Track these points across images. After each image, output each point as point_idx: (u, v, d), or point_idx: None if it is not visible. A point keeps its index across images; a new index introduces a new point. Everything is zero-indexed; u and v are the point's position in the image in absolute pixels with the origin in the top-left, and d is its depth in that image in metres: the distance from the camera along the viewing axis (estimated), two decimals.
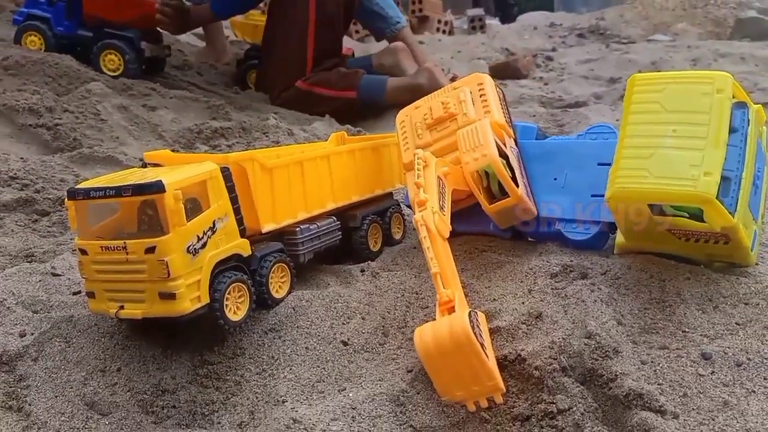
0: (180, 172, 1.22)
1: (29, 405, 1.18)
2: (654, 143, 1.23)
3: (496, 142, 1.48)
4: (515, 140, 1.64)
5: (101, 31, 3.43)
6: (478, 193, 1.48)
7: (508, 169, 1.48)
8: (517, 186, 1.48)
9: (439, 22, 7.52)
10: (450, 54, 6.63)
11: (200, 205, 1.24)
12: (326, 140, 2.60)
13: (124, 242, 1.18)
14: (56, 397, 1.20)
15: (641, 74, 1.32)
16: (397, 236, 1.81)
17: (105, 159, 2.24)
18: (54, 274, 1.53)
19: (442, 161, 1.48)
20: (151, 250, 1.16)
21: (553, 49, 6.13)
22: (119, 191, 1.17)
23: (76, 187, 1.23)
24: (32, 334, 1.29)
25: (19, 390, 1.20)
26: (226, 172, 1.30)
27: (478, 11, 8.23)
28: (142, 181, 1.17)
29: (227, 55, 4.51)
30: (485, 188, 1.50)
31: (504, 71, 4.82)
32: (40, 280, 1.49)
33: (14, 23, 3.46)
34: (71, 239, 1.79)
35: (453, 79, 4.93)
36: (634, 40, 6.87)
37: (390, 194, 1.84)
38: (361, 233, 1.68)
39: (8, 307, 1.36)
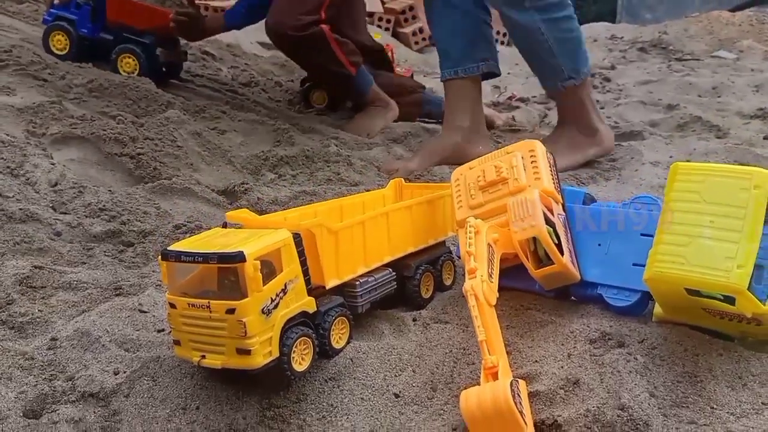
0: (258, 242, 1.38)
1: None
2: (692, 232, 1.33)
3: (543, 211, 1.60)
4: (563, 205, 1.75)
5: (120, 36, 3.71)
6: (525, 259, 1.60)
7: (554, 237, 1.60)
8: (562, 254, 1.59)
9: (497, 33, 7.56)
10: (507, 67, 6.69)
11: (274, 270, 1.40)
12: (380, 174, 2.75)
13: (209, 302, 1.35)
14: (145, 431, 1.38)
15: (683, 164, 1.41)
16: (448, 282, 1.94)
17: (182, 190, 2.43)
18: (141, 311, 1.71)
19: (493, 227, 1.60)
20: (231, 311, 1.32)
21: (612, 67, 6.12)
22: (206, 258, 1.34)
23: (169, 249, 1.40)
24: (124, 372, 1.47)
25: (113, 424, 1.38)
26: (297, 238, 1.46)
27: None
28: (225, 251, 1.33)
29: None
30: (532, 252, 1.62)
31: None
32: (128, 316, 1.68)
33: (44, 23, 3.78)
34: (153, 271, 1.98)
35: (511, 98, 5.02)
36: (697, 56, 6.79)
37: (442, 242, 1.96)
38: (414, 282, 1.81)
39: (103, 345, 1.54)
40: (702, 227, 1.32)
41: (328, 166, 2.96)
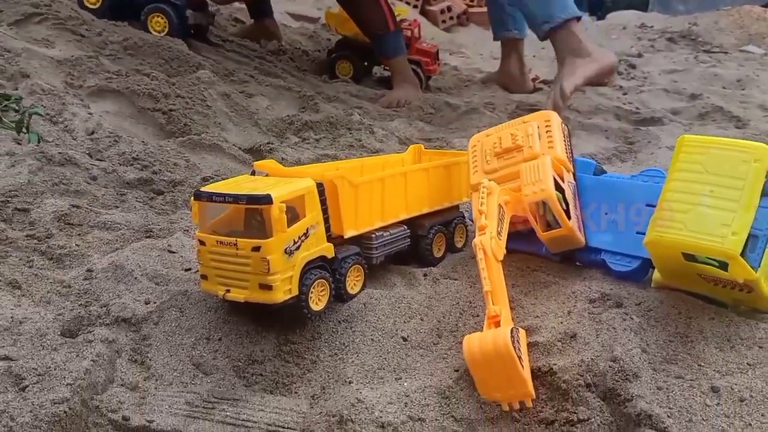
0: (284, 187, 1.48)
1: (150, 360, 1.48)
2: (692, 200, 1.41)
3: (554, 178, 1.68)
4: (574, 174, 1.83)
5: None
6: (534, 222, 1.69)
7: (563, 203, 1.68)
8: (569, 218, 1.67)
9: None
10: (533, 49, 6.71)
11: (298, 215, 1.50)
12: (403, 141, 2.83)
13: (236, 240, 1.45)
14: (171, 356, 1.50)
15: (690, 136, 1.49)
16: (459, 245, 2.03)
17: (210, 146, 2.54)
18: (170, 251, 1.83)
19: (505, 190, 1.69)
20: (256, 249, 1.43)
21: (639, 55, 6.12)
22: (236, 199, 1.45)
23: (201, 190, 1.51)
24: (154, 302, 1.59)
25: (143, 347, 1.50)
26: (320, 188, 1.56)
27: None
28: (254, 193, 1.43)
29: (275, 35, 4.72)
30: (541, 216, 1.71)
31: None
32: (158, 255, 1.80)
33: None
34: (181, 218, 2.09)
35: (534, 80, 5.06)
36: (726, 49, 6.76)
37: (456, 207, 2.05)
38: (427, 241, 1.91)
39: (135, 278, 1.66)
40: (702, 196, 1.40)
41: (350, 133, 3.05)
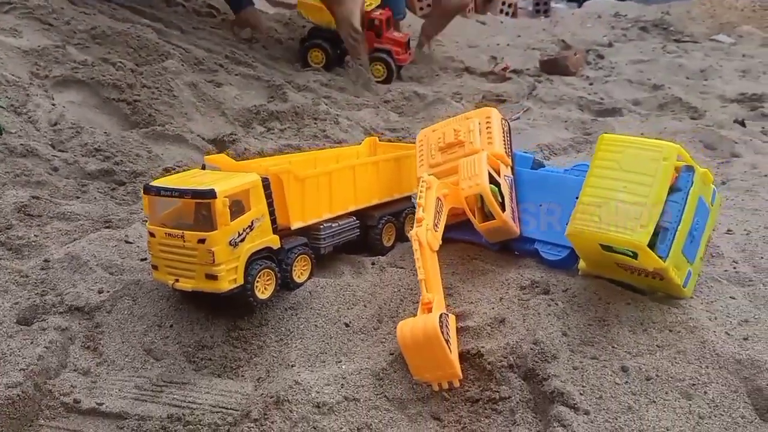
0: (229, 182, 1.56)
1: (102, 347, 1.57)
2: (608, 195, 1.51)
3: (490, 172, 1.78)
4: (513, 168, 1.92)
5: None
6: (470, 213, 1.79)
7: (498, 196, 1.78)
8: (504, 210, 1.77)
9: (503, 3, 7.65)
10: (509, 38, 6.79)
11: (243, 207, 1.59)
12: (368, 131, 2.91)
13: (183, 232, 1.54)
14: (123, 342, 1.59)
15: (609, 135, 1.59)
16: (408, 236, 2.12)
17: (174, 137, 2.61)
18: (127, 242, 1.91)
19: (444, 184, 1.78)
20: (202, 241, 1.52)
21: (610, 44, 6.22)
22: (182, 193, 1.53)
23: (150, 184, 1.59)
24: (108, 291, 1.67)
25: (96, 335, 1.59)
26: (265, 182, 1.65)
27: None
28: (199, 188, 1.52)
29: (257, 26, 4.76)
30: (479, 209, 1.81)
31: (553, 67, 5.00)
32: (115, 246, 1.88)
33: None
34: (140, 209, 2.17)
35: (505, 69, 5.15)
36: (696, 38, 6.87)
37: (408, 198, 2.15)
38: (377, 231, 2.00)
39: (91, 268, 1.74)
40: (617, 191, 1.50)
41: (315, 123, 3.13)
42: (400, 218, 2.09)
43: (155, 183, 1.60)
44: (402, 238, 2.09)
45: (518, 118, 3.75)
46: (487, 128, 1.92)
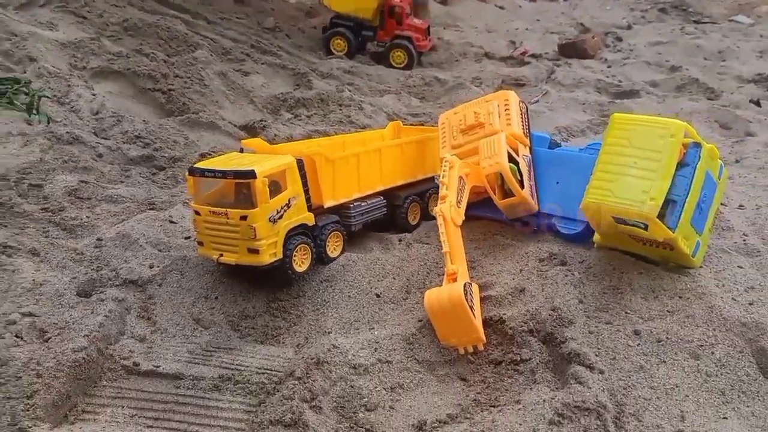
0: (267, 163, 1.69)
1: (155, 316, 1.71)
2: (620, 170, 1.62)
3: (508, 152, 1.89)
4: (531, 148, 2.03)
5: None
6: (491, 191, 1.90)
7: (517, 174, 1.89)
8: (522, 188, 1.89)
9: None
10: (527, 22, 6.86)
11: (280, 187, 1.72)
12: (391, 116, 3.03)
13: (226, 210, 1.67)
14: (174, 312, 1.73)
15: (620, 114, 1.69)
16: (433, 213, 2.24)
17: (207, 124, 2.75)
18: (171, 221, 2.05)
19: (465, 163, 1.90)
20: (244, 218, 1.65)
21: (629, 27, 6.26)
22: (225, 174, 1.66)
23: (195, 166, 1.72)
24: (158, 266, 1.81)
25: (149, 305, 1.73)
26: (300, 163, 1.77)
27: None
28: (240, 168, 1.65)
29: None
30: (500, 186, 1.92)
31: (572, 50, 5.07)
32: (161, 225, 2.02)
33: None
34: (181, 192, 2.31)
35: (524, 53, 5.22)
36: (715, 19, 6.88)
37: (431, 178, 2.26)
38: (403, 210, 2.12)
39: (141, 245, 1.89)
40: (628, 167, 1.61)
41: (340, 109, 3.25)
42: (425, 198, 2.21)
43: (199, 164, 1.73)
44: (426, 216, 2.21)
45: (537, 101, 3.84)
46: (505, 110, 2.03)
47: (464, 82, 3.97)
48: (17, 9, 3.31)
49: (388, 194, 2.09)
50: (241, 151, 1.90)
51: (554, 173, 1.99)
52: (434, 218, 2.22)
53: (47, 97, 2.36)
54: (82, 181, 2.18)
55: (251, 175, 1.64)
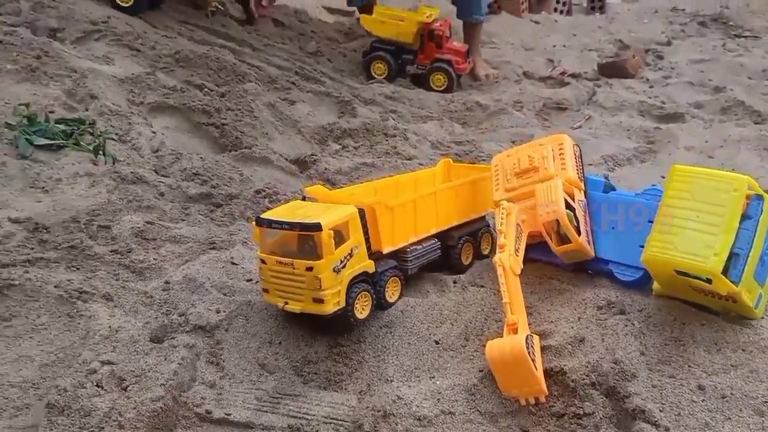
0: (332, 214, 1.75)
1: (223, 361, 1.77)
2: (681, 224, 1.64)
3: (565, 198, 1.91)
4: (585, 192, 2.05)
5: None
6: (548, 238, 1.93)
7: (573, 220, 1.92)
8: (579, 234, 1.91)
9: (558, 2, 7.67)
10: (564, 38, 6.83)
11: (343, 237, 1.77)
12: (435, 145, 3.06)
13: (292, 261, 1.73)
14: (240, 357, 1.79)
15: (680, 167, 1.71)
16: (486, 252, 2.28)
17: (260, 159, 2.82)
18: (233, 263, 2.11)
19: (522, 209, 1.93)
20: (310, 268, 1.70)
21: (668, 42, 6.21)
22: (292, 226, 1.72)
23: (262, 217, 1.78)
24: (224, 311, 1.88)
25: (217, 351, 1.79)
26: (361, 213, 1.82)
27: None
28: (307, 221, 1.70)
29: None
30: (556, 232, 1.95)
31: (612, 70, 5.06)
32: (223, 267, 2.08)
33: None
34: (239, 230, 2.38)
35: (563, 73, 5.22)
36: (757, 33, 6.79)
37: (482, 217, 2.30)
38: (456, 250, 2.16)
39: (206, 289, 1.95)
40: (690, 220, 1.63)
41: (386, 140, 3.30)
42: (477, 237, 2.25)
43: (266, 215, 1.79)
44: (479, 255, 2.24)
45: (580, 126, 3.85)
46: (560, 154, 2.05)
47: (506, 107, 3.99)
48: (74, 43, 3.42)
49: (441, 235, 2.13)
50: (304, 198, 1.95)
51: (610, 218, 2.00)
52: (486, 257, 2.28)
53: (113, 139, 2.44)
54: (147, 222, 2.25)
55: (317, 227, 1.69)
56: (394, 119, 3.58)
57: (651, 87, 4.83)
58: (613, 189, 2.13)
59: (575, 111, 4.15)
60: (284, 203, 1.93)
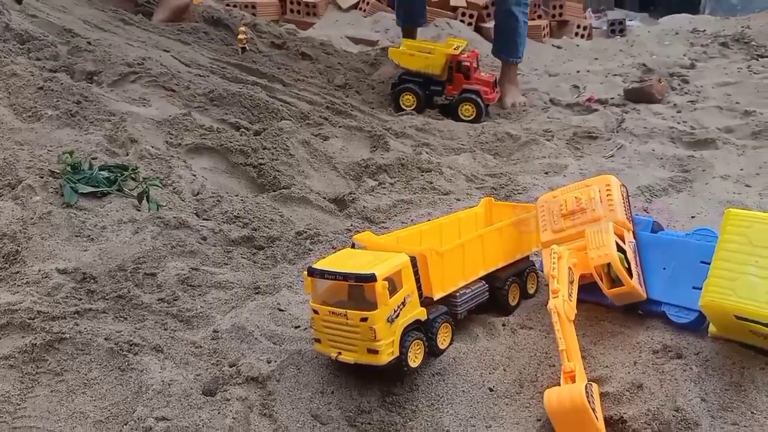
0: (385, 264, 1.74)
1: (276, 413, 1.77)
2: (739, 269, 1.62)
3: (615, 240, 1.90)
4: (634, 233, 2.04)
5: None
6: (599, 281, 1.92)
7: (625, 263, 1.90)
8: (631, 277, 1.89)
9: (578, 26, 7.69)
10: (587, 62, 6.84)
11: (396, 286, 1.76)
12: (470, 179, 3.05)
13: (345, 311, 1.73)
14: (293, 409, 1.78)
15: (735, 211, 1.70)
16: (531, 291, 2.26)
17: (300, 199, 2.84)
18: (279, 309, 2.12)
19: (572, 253, 1.92)
20: (364, 319, 1.70)
21: (692, 65, 6.19)
22: (345, 277, 1.72)
23: (314, 267, 1.78)
24: (275, 361, 1.87)
25: (269, 402, 1.78)
26: (413, 261, 1.82)
27: (619, 14, 8.29)
28: (361, 272, 1.70)
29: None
30: (606, 274, 1.93)
31: (638, 95, 5.04)
32: (270, 314, 2.09)
33: None
34: (282, 273, 2.38)
35: (589, 100, 5.22)
36: None
37: (527, 257, 2.29)
38: (503, 292, 2.15)
39: (256, 338, 1.95)
40: (748, 265, 1.61)
41: (421, 175, 3.30)
42: (523, 277, 2.23)
43: (318, 265, 1.79)
44: (525, 295, 2.23)
45: (612, 155, 3.83)
46: (607, 195, 2.04)
47: (536, 137, 3.98)
48: (111, 86, 3.49)
49: (488, 276, 2.12)
50: (353, 246, 1.96)
51: (660, 258, 1.99)
52: (532, 296, 2.26)
53: (157, 186, 2.47)
54: (192, 268, 2.27)
55: (372, 278, 1.69)
56: (427, 153, 3.58)
57: (679, 112, 4.80)
58: (661, 228, 2.12)
59: (606, 140, 4.13)
60: (333, 253, 1.93)
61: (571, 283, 1.84)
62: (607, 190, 2.06)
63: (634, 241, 2.02)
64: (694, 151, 3.84)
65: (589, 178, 2.15)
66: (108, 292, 2.11)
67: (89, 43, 3.76)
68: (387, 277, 1.72)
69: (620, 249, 1.91)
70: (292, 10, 7.12)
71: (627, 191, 2.12)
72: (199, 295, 2.19)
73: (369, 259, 1.80)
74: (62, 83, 3.21)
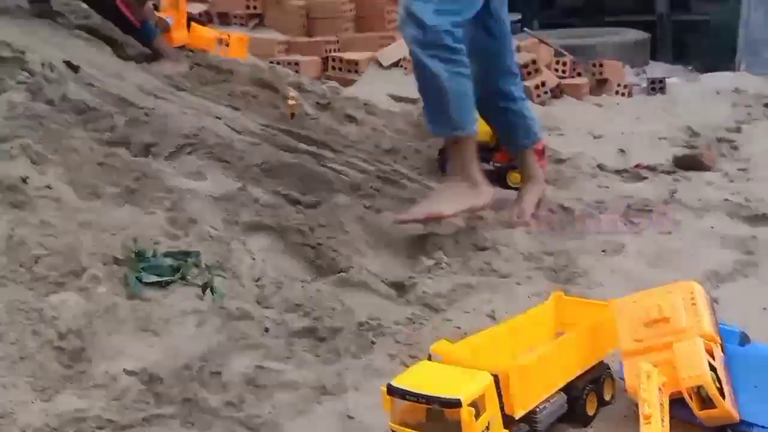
0: (469, 386, 1.68)
1: None
2: None
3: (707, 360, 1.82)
4: (721, 345, 1.96)
5: None
6: (690, 401, 1.83)
7: (716, 381, 1.82)
8: (723, 397, 1.81)
9: (619, 85, 7.65)
10: (628, 122, 6.78)
11: (479, 410, 1.70)
12: (528, 258, 2.98)
13: None
14: None
15: None
16: (608, 398, 2.17)
17: (359, 284, 2.80)
18: (349, 417, 2.06)
19: (661, 370, 1.84)
20: None
21: (738, 129, 6.11)
22: (429, 400, 1.66)
23: (394, 386, 1.73)
24: None
25: None
26: (496, 379, 1.76)
27: (659, 72, 8.26)
28: (446, 397, 1.64)
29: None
30: (696, 393, 1.85)
31: (688, 163, 4.97)
32: (341, 422, 2.03)
33: None
34: (346, 369, 2.33)
35: (638, 166, 5.14)
36: None
37: (602, 361, 2.20)
38: (581, 401, 2.06)
39: None
40: None
41: (477, 254, 3.25)
42: (599, 384, 2.15)
43: (398, 384, 1.74)
44: (602, 402, 2.14)
45: (670, 232, 3.74)
46: (692, 304, 1.97)
47: (591, 211, 3.92)
48: (168, 158, 3.51)
49: (566, 386, 2.04)
50: (429, 357, 1.90)
51: (751, 375, 1.90)
52: (608, 403, 2.17)
53: (223, 276, 2.45)
54: (257, 366, 2.22)
55: (457, 403, 1.63)
56: (481, 228, 3.53)
57: (731, 182, 4.71)
58: (748, 340, 2.03)
59: (661, 213, 4.04)
60: (412, 367, 1.87)
61: (663, 406, 1.76)
62: (692, 298, 1.98)
63: (722, 354, 1.93)
64: (755, 229, 3.73)
65: (669, 284, 2.08)
66: (175, 394, 2.07)
67: (146, 114, 3.79)
68: (472, 402, 1.66)
69: (712, 367, 1.83)
70: (333, 67, 7.18)
71: (710, 298, 2.04)
72: (266, 396, 2.14)
73: (451, 378, 1.74)
74: (122, 158, 3.24)
